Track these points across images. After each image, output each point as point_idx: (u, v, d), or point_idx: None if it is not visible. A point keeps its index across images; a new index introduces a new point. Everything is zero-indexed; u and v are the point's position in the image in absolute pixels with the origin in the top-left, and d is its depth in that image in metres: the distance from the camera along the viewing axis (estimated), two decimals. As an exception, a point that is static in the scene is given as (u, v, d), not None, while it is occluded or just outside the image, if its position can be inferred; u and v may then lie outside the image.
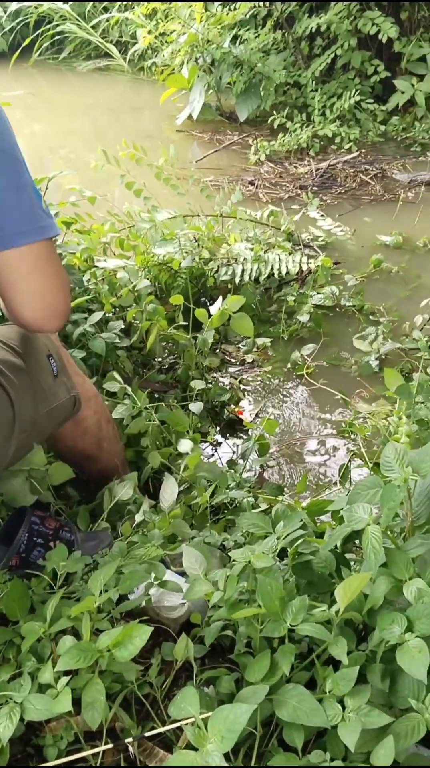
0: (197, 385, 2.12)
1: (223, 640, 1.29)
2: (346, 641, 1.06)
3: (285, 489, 2.12)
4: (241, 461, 2.24)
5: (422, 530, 1.20)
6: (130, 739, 1.06)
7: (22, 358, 1.37)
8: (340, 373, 2.78)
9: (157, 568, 1.29)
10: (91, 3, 7.08)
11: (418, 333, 2.62)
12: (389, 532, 1.20)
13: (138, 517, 1.55)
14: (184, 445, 1.84)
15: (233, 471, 1.99)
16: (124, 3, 5.74)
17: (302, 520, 1.33)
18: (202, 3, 5.03)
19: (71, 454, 1.65)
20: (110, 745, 1.05)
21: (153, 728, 1.08)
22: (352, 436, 2.22)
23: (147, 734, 1.06)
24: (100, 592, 1.14)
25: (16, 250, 1.13)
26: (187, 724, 0.96)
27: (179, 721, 0.99)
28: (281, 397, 2.65)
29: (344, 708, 1.01)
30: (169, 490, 1.50)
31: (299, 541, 1.26)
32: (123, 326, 2.38)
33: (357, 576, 1.07)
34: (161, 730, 1.05)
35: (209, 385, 2.47)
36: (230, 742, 0.90)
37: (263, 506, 1.83)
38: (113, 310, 2.47)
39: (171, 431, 1.99)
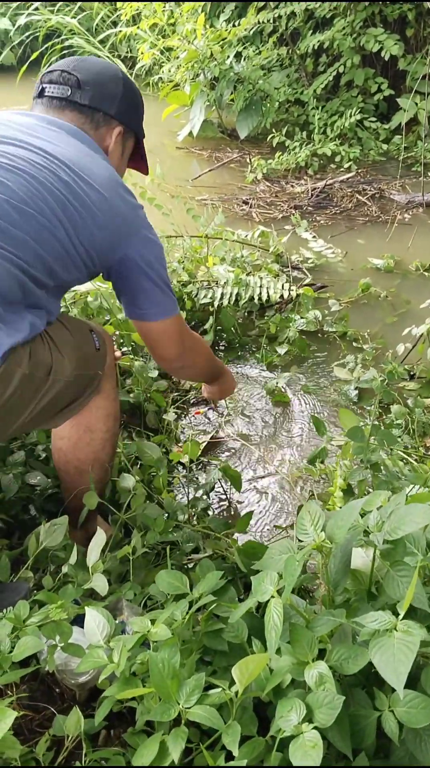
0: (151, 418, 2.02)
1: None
2: (239, 728, 0.97)
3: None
4: (205, 498, 2.15)
5: (340, 600, 1.10)
6: None
7: (68, 327, 1.53)
8: (318, 401, 2.68)
9: (62, 630, 1.20)
10: (99, 18, 7.07)
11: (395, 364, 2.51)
12: (304, 602, 1.10)
13: (63, 568, 1.46)
14: (127, 481, 1.75)
15: (184, 509, 1.90)
16: (132, 17, 5.71)
17: (222, 578, 1.25)
18: (204, 19, 4.97)
19: (67, 462, 1.68)
20: None
21: None
22: (316, 476, 2.12)
23: None
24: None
25: (156, 324, 1.65)
26: None
27: None
28: (253, 425, 2.55)
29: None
30: (97, 546, 1.41)
31: (212, 606, 1.17)
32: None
33: (255, 657, 0.98)
34: None
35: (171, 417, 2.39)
36: None
37: (209, 551, 1.74)
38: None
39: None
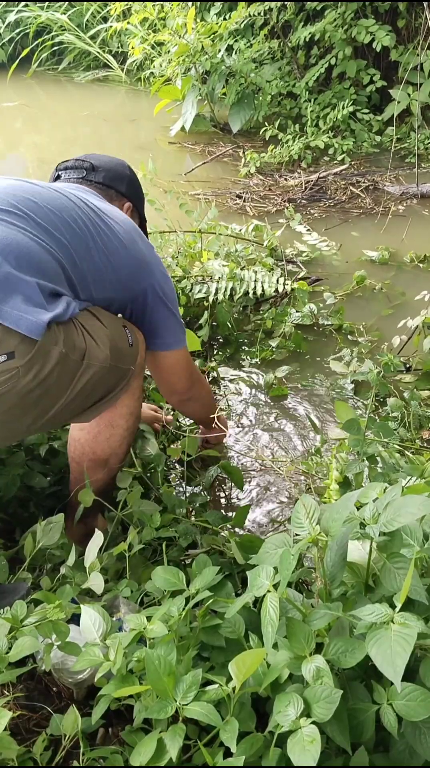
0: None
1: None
2: (237, 724, 0.96)
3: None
4: (203, 493, 2.14)
5: (337, 593, 1.09)
6: None
7: (101, 320, 1.56)
8: (315, 395, 2.67)
9: (59, 629, 1.19)
10: (89, 13, 7.03)
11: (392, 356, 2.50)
12: (301, 596, 1.09)
13: (62, 569, 1.45)
14: (123, 479, 1.75)
15: (181, 503, 1.89)
16: (122, 11, 5.68)
17: (218, 573, 1.24)
18: (194, 12, 4.94)
19: (83, 453, 1.70)
20: None
21: None
22: (314, 469, 2.11)
23: None
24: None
25: (172, 352, 1.82)
26: None
27: None
28: (248, 420, 2.54)
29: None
30: (94, 546, 1.41)
31: (209, 602, 1.16)
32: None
33: (251, 652, 0.97)
34: None
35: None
36: None
37: (206, 546, 1.73)
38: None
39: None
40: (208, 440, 2.31)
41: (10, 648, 1.12)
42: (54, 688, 1.26)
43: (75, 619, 1.27)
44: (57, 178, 1.88)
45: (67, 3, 7.04)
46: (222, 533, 1.75)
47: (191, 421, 2.35)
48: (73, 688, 1.23)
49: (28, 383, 1.31)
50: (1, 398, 1.30)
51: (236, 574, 1.54)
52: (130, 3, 5.50)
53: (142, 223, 2.04)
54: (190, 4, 5.41)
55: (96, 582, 1.34)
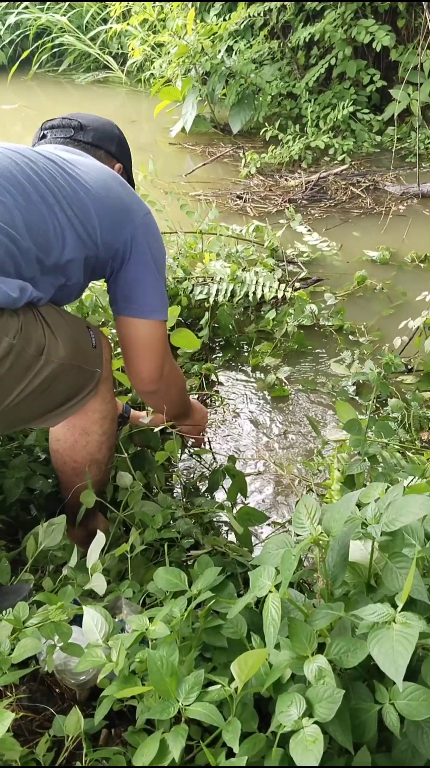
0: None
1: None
2: (239, 725, 0.96)
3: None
4: (206, 496, 2.13)
5: (339, 593, 1.09)
6: None
7: (64, 317, 1.52)
8: (316, 396, 2.67)
9: (61, 630, 1.20)
10: (89, 15, 7.04)
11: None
12: (303, 596, 1.10)
13: (64, 570, 1.45)
14: (125, 479, 1.75)
15: (179, 503, 1.89)
16: (122, 13, 5.68)
17: (221, 573, 1.24)
18: (194, 14, 4.95)
19: (64, 463, 1.67)
20: None
21: None
22: (314, 469, 2.11)
23: None
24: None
25: (147, 322, 1.62)
26: None
27: None
28: (249, 421, 2.55)
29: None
30: (96, 547, 1.41)
31: (211, 603, 1.16)
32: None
33: (254, 653, 0.97)
34: None
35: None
36: None
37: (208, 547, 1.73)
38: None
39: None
40: (193, 434, 2.16)
41: (12, 649, 1.12)
42: (57, 690, 1.26)
43: (77, 620, 1.27)
44: (42, 137, 1.75)
45: (66, 4, 7.04)
46: (220, 514, 1.75)
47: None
48: (76, 689, 1.24)
49: None
50: None
51: (238, 575, 1.54)
52: (129, 4, 5.49)
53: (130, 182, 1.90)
54: (189, 5, 5.41)
55: (98, 583, 1.34)
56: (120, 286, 1.59)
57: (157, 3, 5.46)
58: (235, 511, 1.78)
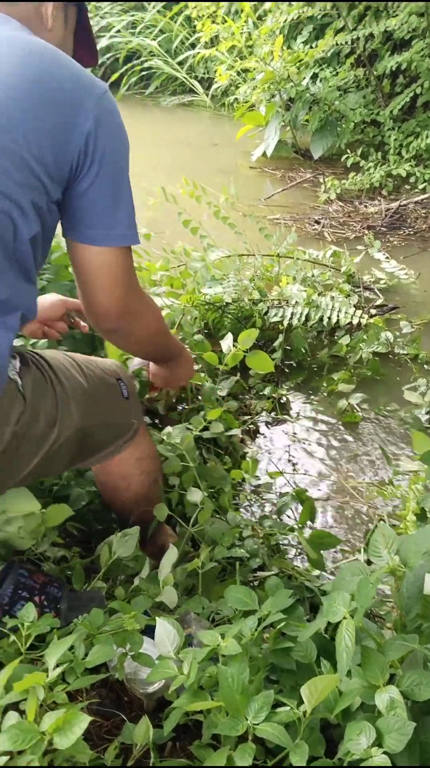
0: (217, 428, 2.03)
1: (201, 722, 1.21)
2: (307, 748, 0.97)
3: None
4: (274, 517, 2.14)
5: (412, 625, 1.09)
6: None
7: (85, 374, 1.43)
8: (388, 424, 2.65)
9: (134, 639, 1.23)
10: (178, 40, 7.23)
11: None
12: (375, 626, 1.10)
13: (136, 580, 1.49)
14: (195, 495, 1.77)
15: (248, 522, 1.91)
16: (209, 38, 5.81)
17: (291, 597, 1.25)
18: (281, 41, 5.02)
19: (111, 503, 1.68)
20: None
21: None
22: (388, 498, 2.09)
23: None
24: (61, 663, 1.09)
25: (107, 250, 1.26)
26: None
27: None
28: (319, 445, 2.54)
29: None
30: (168, 561, 1.44)
31: (281, 625, 1.17)
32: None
33: (325, 678, 0.98)
34: None
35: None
36: None
37: (275, 569, 1.74)
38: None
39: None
40: (164, 384, 1.87)
41: (86, 654, 1.16)
42: (125, 698, 1.29)
43: (146, 631, 1.30)
44: None
45: (157, 29, 7.25)
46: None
47: (265, 444, 2.36)
48: (144, 699, 1.26)
49: None
50: None
51: (305, 599, 1.55)
52: (218, 30, 5.59)
53: (85, 33, 1.42)
54: (277, 32, 5.50)
55: (169, 596, 1.37)
56: (74, 207, 1.24)
57: (245, 29, 5.56)
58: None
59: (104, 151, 1.20)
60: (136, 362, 1.90)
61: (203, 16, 5.38)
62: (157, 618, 1.20)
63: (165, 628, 1.18)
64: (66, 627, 1.29)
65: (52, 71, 1.16)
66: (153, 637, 1.30)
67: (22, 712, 1.04)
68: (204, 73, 7.25)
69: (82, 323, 1.83)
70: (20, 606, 1.35)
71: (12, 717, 1.02)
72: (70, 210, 1.24)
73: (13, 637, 1.24)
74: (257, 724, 1.00)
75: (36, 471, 1.36)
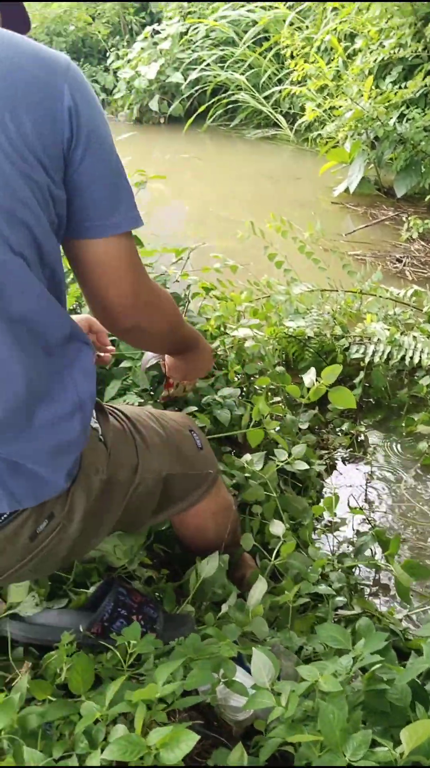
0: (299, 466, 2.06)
1: (289, 753, 1.23)
2: (406, 792, 0.98)
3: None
4: (352, 555, 2.15)
5: None
6: None
7: (161, 424, 1.47)
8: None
9: (228, 666, 1.26)
10: (266, 75, 7.38)
11: None
12: None
13: (224, 607, 1.53)
14: (277, 527, 1.80)
15: (333, 564, 1.92)
16: (297, 77, 5.92)
17: (385, 641, 1.26)
18: (371, 81, 5.09)
19: (188, 548, 1.69)
20: None
21: None
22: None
23: None
24: (165, 683, 1.13)
25: (112, 240, 1.11)
26: None
27: None
28: (394, 486, 2.54)
29: None
30: (258, 591, 1.48)
31: (375, 667, 1.19)
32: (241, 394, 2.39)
33: (425, 722, 0.99)
34: None
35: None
36: None
37: (357, 609, 1.75)
38: (236, 377, 2.50)
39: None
40: (182, 377, 1.71)
41: (184, 676, 1.20)
42: (214, 722, 1.33)
43: (234, 659, 1.33)
44: None
45: (246, 64, 7.42)
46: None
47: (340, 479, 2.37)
48: (233, 726, 1.29)
49: (77, 525, 1.23)
50: (57, 548, 1.23)
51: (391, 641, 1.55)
52: (308, 71, 5.70)
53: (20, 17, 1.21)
54: (366, 72, 5.58)
55: (260, 627, 1.40)
56: (77, 199, 1.08)
57: (332, 65, 5.65)
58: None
59: (91, 128, 1.03)
60: (149, 356, 1.84)
61: (297, 56, 5.50)
62: (253, 648, 1.23)
63: (261, 659, 1.21)
64: (163, 648, 1.33)
65: (18, 56, 0.96)
66: (239, 665, 1.34)
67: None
68: (289, 108, 7.38)
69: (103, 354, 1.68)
70: (120, 624, 1.40)
71: (120, 729, 1.06)
72: (83, 198, 1.08)
73: (111, 653, 1.30)
74: (356, 761, 1.02)
75: (124, 519, 1.39)
